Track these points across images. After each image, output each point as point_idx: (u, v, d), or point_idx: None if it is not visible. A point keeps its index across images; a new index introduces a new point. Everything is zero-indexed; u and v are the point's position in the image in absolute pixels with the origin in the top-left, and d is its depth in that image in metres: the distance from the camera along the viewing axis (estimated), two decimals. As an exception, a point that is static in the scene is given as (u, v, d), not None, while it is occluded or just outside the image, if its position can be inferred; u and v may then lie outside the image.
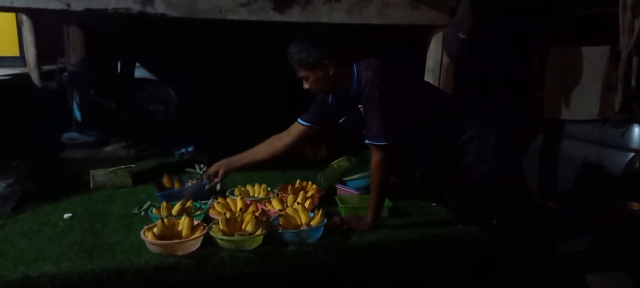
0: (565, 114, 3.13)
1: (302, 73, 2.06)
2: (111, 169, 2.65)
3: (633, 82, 2.84)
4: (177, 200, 2.16)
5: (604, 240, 2.77)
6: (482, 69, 3.41)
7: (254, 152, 2.42)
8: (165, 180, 2.45)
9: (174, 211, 2.07)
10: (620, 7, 2.81)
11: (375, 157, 2.02)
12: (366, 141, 2.03)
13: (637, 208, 2.73)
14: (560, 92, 3.14)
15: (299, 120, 2.35)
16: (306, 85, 2.10)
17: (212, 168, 2.43)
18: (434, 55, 2.69)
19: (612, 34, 2.88)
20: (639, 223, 2.69)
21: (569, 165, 3.10)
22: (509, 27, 3.30)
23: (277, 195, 2.33)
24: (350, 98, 2.09)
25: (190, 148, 3.34)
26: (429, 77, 2.73)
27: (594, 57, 3.04)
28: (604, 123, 2.92)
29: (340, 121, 2.25)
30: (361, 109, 2.07)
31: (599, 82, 3.00)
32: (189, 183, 2.44)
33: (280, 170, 2.97)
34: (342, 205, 2.25)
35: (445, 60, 2.68)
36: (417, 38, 2.86)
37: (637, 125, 2.75)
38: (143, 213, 2.22)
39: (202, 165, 2.57)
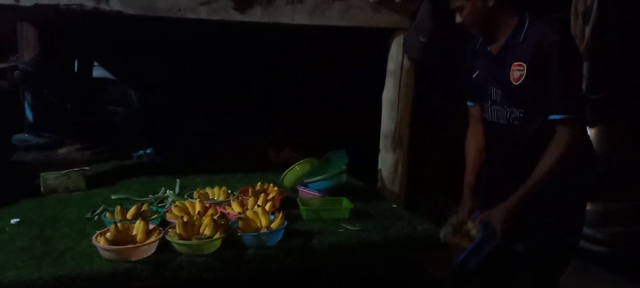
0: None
1: (458, 2, 1.83)
2: (64, 172, 2.55)
3: (584, 86, 2.95)
4: None
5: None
6: (444, 73, 3.47)
7: (476, 162, 2.10)
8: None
9: (129, 215, 2.01)
10: (572, 14, 2.92)
11: (563, 134, 1.71)
12: (552, 116, 1.72)
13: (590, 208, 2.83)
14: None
15: (469, 103, 2.11)
16: (459, 19, 1.86)
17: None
18: (395, 58, 2.71)
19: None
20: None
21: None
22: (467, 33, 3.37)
23: (237, 197, 2.29)
24: (502, 51, 1.84)
25: (148, 151, 3.26)
26: (389, 80, 2.75)
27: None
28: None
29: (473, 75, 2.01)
30: (520, 69, 1.78)
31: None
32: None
33: (241, 173, 2.93)
34: (303, 208, 2.24)
35: (406, 63, 2.71)
36: (380, 41, 2.87)
37: (588, 127, 2.86)
38: (96, 217, 2.14)
39: (168, 190, 2.49)
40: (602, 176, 2.77)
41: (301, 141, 3.49)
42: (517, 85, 1.80)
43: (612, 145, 2.82)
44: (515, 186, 1.80)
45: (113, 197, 2.44)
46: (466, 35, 2.01)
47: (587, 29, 2.88)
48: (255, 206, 2.13)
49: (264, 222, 1.99)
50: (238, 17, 2.44)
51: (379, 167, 2.86)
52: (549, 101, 1.73)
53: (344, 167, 2.48)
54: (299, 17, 2.54)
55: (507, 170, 1.93)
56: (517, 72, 1.80)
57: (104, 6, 2.25)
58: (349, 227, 2.11)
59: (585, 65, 2.95)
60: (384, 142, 2.82)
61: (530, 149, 1.81)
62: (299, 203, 2.29)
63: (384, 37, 2.77)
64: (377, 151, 2.86)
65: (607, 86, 3.08)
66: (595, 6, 2.88)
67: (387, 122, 2.79)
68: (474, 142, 2.09)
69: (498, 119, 1.92)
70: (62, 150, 3.16)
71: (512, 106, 1.85)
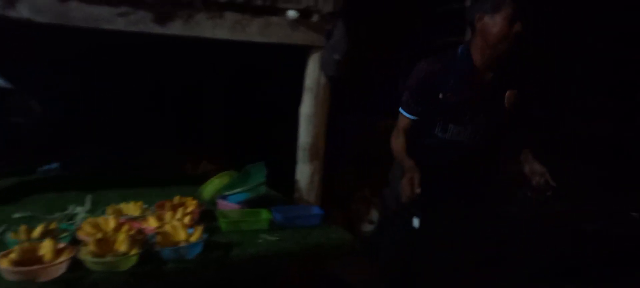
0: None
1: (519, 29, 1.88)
2: (-42, 189, 2.34)
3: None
4: None
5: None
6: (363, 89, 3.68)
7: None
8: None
9: (35, 234, 1.91)
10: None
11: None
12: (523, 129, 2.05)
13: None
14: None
15: (409, 115, 2.21)
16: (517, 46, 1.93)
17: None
18: (312, 75, 2.83)
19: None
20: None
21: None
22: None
23: (154, 212, 2.26)
24: (497, 78, 2.01)
25: (54, 166, 3.08)
26: (307, 95, 2.87)
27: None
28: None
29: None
30: (512, 96, 2.02)
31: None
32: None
33: (158, 187, 2.88)
34: (222, 220, 2.26)
35: (322, 79, 2.83)
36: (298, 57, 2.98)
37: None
38: (-2, 238, 2.01)
39: (78, 207, 2.37)
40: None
41: (219, 154, 3.48)
42: (505, 110, 2.04)
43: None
44: (461, 192, 2.06)
45: (15, 215, 2.30)
46: (379, 55, 2.17)
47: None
48: (174, 220, 2.12)
49: (182, 235, 1.99)
50: (157, 29, 2.41)
51: (297, 178, 2.95)
52: (526, 118, 2.05)
53: (263, 179, 2.54)
54: (220, 32, 2.57)
55: (455, 178, 2.13)
56: (509, 98, 2.04)
57: (11, 13, 2.12)
58: (268, 238, 2.17)
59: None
60: (301, 155, 2.92)
61: (483, 158, 2.10)
62: (218, 215, 2.31)
63: (302, 54, 2.88)
64: (295, 163, 2.95)
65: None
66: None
67: (305, 135, 2.90)
68: (402, 142, 2.19)
69: (458, 137, 2.08)
70: (-46, 166, 2.89)
71: (489, 127, 2.05)
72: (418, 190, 1.88)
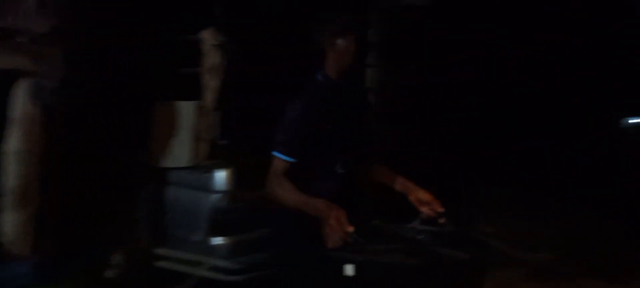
0: (168, 162, 3.41)
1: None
2: None
3: (217, 133, 3.40)
4: None
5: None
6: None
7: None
8: None
9: None
10: (203, 68, 3.34)
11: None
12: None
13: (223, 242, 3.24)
14: (164, 141, 3.43)
15: (286, 158, 1.99)
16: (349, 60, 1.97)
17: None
18: (21, 105, 2.45)
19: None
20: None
21: (175, 210, 3.37)
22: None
23: None
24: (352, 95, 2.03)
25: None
26: (14, 129, 2.45)
27: (187, 111, 3.46)
28: (196, 169, 3.36)
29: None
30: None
31: (191, 133, 3.41)
32: None
33: None
34: None
35: (34, 109, 2.47)
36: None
37: (221, 170, 3.29)
38: None
39: None
40: (232, 212, 3.26)
41: None
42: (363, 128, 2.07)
43: (239, 184, 3.35)
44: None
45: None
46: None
47: (216, 83, 3.34)
48: None
49: None
50: None
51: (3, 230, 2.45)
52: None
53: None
54: None
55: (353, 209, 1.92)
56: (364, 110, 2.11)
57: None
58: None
59: (218, 114, 3.41)
60: (8, 201, 2.46)
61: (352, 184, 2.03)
62: None
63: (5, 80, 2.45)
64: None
65: (232, 132, 3.64)
66: (222, 63, 3.39)
67: (13, 177, 2.47)
68: (291, 186, 1.92)
69: (354, 165, 2.00)
70: None
71: (357, 149, 2.01)
72: (350, 228, 1.69)
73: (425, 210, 1.93)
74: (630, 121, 7.64)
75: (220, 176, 3.22)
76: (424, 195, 1.97)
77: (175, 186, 3.41)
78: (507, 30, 5.56)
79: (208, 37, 3.36)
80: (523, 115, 6.21)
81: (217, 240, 3.13)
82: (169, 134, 3.42)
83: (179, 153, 3.37)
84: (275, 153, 1.93)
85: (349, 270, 1.70)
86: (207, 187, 3.22)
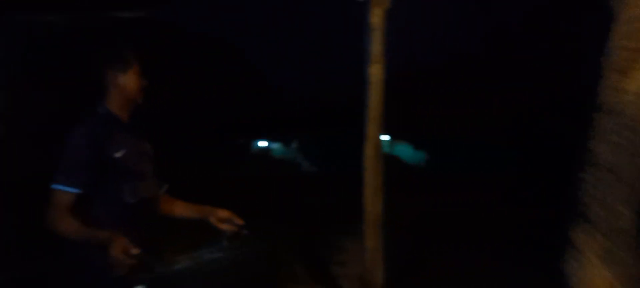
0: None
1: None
2: None
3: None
4: None
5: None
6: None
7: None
8: None
9: None
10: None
11: None
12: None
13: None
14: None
15: (71, 190, 1.86)
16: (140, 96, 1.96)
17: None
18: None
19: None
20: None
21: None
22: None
23: None
24: (134, 125, 1.98)
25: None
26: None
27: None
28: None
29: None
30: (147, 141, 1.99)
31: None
32: None
33: None
34: None
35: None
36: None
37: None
38: None
39: None
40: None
41: None
42: (152, 154, 2.04)
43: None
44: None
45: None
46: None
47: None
48: None
49: None
50: None
51: None
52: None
53: None
54: None
55: (143, 235, 1.90)
56: (148, 143, 2.04)
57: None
58: None
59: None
60: None
61: (145, 212, 1.98)
62: None
63: None
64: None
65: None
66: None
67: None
68: (73, 219, 1.82)
69: (146, 193, 1.96)
70: None
71: (145, 179, 1.98)
72: (136, 250, 1.65)
73: (226, 227, 1.93)
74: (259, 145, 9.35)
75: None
76: (222, 213, 1.96)
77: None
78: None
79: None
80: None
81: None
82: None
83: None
84: (56, 186, 1.83)
85: None
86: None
